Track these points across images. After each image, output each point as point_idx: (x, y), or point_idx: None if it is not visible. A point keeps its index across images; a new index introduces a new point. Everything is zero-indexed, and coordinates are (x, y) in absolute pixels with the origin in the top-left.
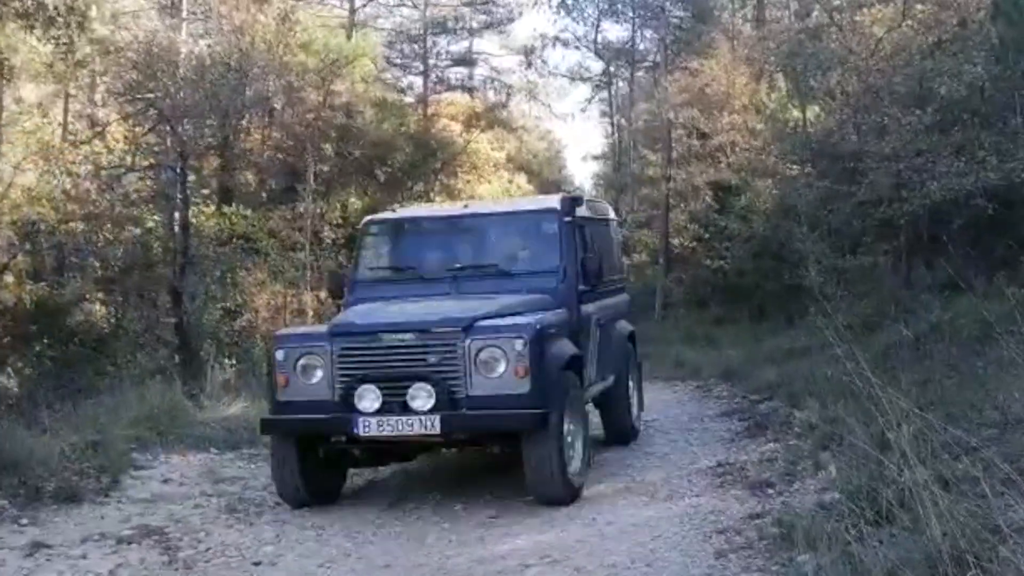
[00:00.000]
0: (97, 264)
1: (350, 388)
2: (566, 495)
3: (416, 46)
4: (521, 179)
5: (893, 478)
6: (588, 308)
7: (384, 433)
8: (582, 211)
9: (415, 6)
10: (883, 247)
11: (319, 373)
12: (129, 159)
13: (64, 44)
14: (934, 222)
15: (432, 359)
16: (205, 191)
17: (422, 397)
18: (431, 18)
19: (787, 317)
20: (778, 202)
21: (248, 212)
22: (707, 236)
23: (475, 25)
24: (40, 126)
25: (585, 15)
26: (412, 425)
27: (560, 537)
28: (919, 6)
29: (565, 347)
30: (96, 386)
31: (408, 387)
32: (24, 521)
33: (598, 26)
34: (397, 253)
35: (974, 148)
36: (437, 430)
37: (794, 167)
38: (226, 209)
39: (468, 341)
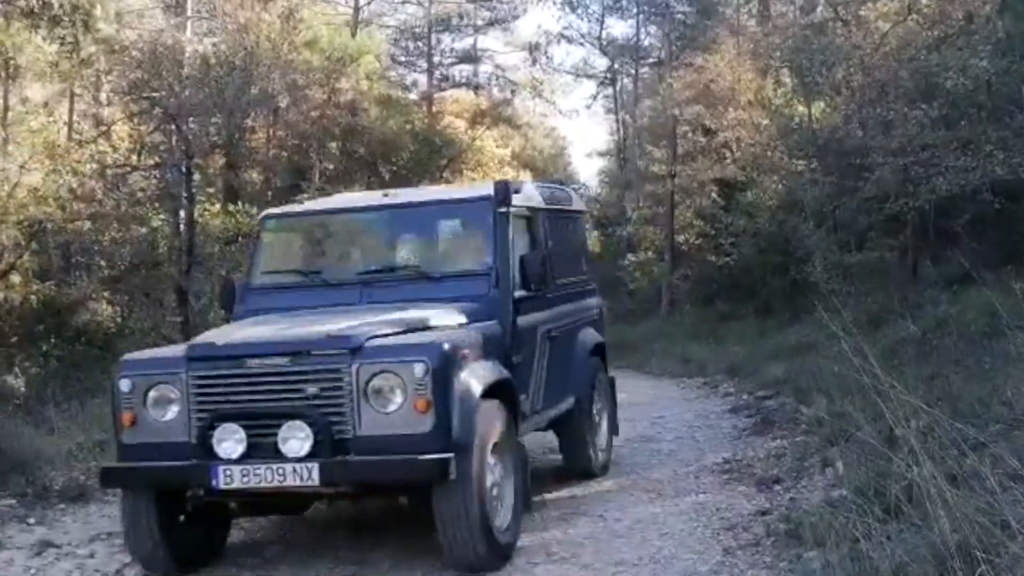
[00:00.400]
0: (103, 263)
1: (208, 428)
2: (488, 558)
3: (420, 43)
4: (526, 176)
5: (901, 474)
6: (533, 318)
7: (250, 485)
8: (527, 200)
9: (419, 3)
10: (889, 242)
11: (174, 408)
12: (134, 158)
13: (69, 43)
14: (940, 217)
15: (311, 390)
16: (210, 190)
17: (297, 439)
18: (435, 15)
19: (793, 313)
20: (784, 198)
21: (253, 210)
22: (712, 232)
23: (479, 22)
24: (45, 125)
25: (589, 11)
26: (283, 475)
27: (568, 534)
28: (924, 0)
29: (489, 370)
30: (103, 385)
31: (280, 426)
32: (32, 520)
33: (602, 22)
34: (300, 254)
35: (980, 143)
36: (315, 481)
37: (800, 163)
38: (231, 207)
39: (356, 366)
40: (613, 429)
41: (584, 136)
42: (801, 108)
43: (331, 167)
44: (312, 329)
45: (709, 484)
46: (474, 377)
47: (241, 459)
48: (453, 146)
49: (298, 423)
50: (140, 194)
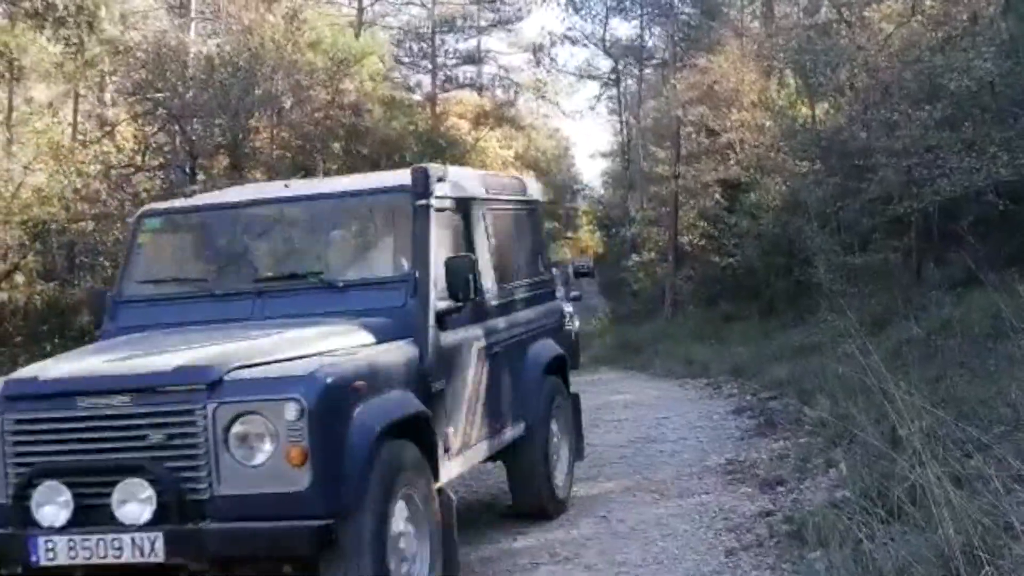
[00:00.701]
0: (107, 264)
1: (27, 487)
2: None
3: (424, 44)
4: (530, 176)
5: (904, 475)
6: (464, 333)
7: (78, 561)
8: (459, 189)
9: (423, 5)
10: (893, 244)
11: None
12: (139, 159)
13: (74, 44)
14: (944, 219)
15: (156, 437)
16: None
17: (136, 501)
18: (439, 16)
19: (797, 314)
20: (787, 199)
21: None
22: (716, 233)
23: (483, 23)
24: (50, 126)
25: (593, 12)
26: (119, 548)
27: (571, 535)
28: (928, 1)
29: (396, 403)
30: None
31: (116, 484)
32: None
33: (606, 23)
34: (185, 259)
35: (984, 144)
36: (159, 556)
37: (803, 164)
38: None
39: (212, 406)
40: (577, 455)
41: (588, 137)
42: (805, 109)
43: (335, 168)
44: (162, 358)
45: (712, 485)
46: (372, 414)
47: (67, 527)
48: (457, 147)
49: (138, 481)
50: (144, 195)
